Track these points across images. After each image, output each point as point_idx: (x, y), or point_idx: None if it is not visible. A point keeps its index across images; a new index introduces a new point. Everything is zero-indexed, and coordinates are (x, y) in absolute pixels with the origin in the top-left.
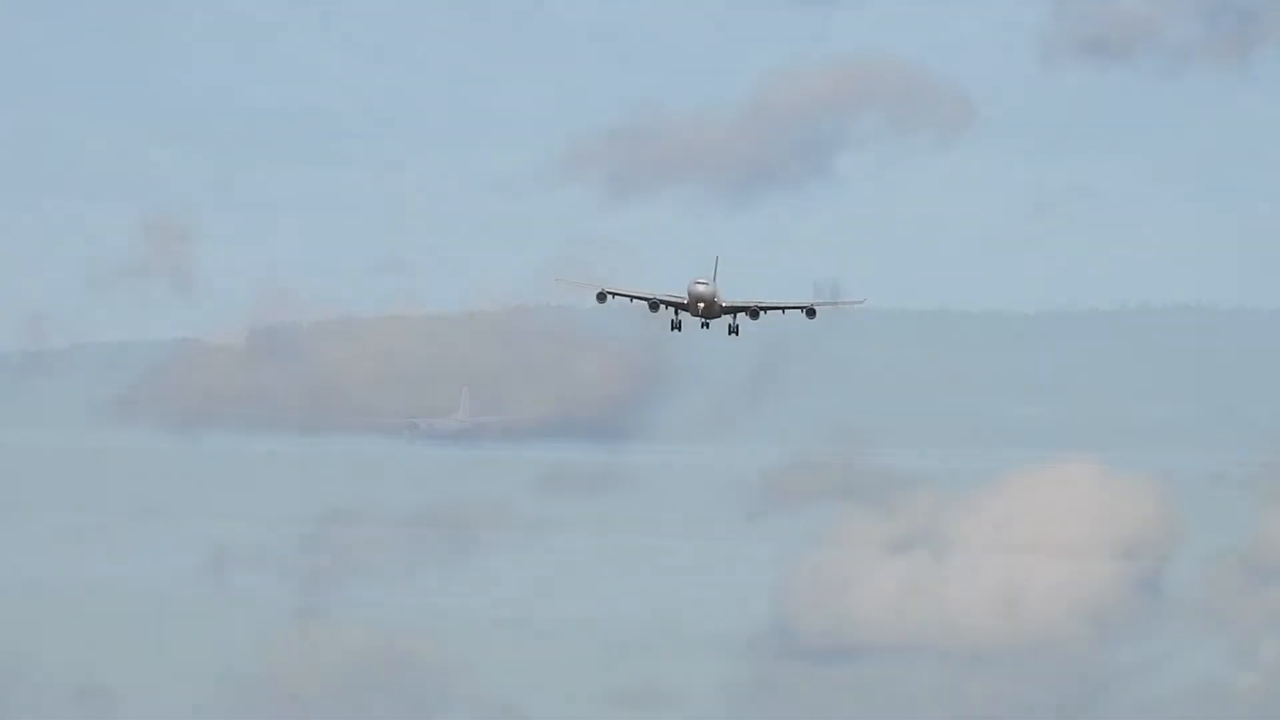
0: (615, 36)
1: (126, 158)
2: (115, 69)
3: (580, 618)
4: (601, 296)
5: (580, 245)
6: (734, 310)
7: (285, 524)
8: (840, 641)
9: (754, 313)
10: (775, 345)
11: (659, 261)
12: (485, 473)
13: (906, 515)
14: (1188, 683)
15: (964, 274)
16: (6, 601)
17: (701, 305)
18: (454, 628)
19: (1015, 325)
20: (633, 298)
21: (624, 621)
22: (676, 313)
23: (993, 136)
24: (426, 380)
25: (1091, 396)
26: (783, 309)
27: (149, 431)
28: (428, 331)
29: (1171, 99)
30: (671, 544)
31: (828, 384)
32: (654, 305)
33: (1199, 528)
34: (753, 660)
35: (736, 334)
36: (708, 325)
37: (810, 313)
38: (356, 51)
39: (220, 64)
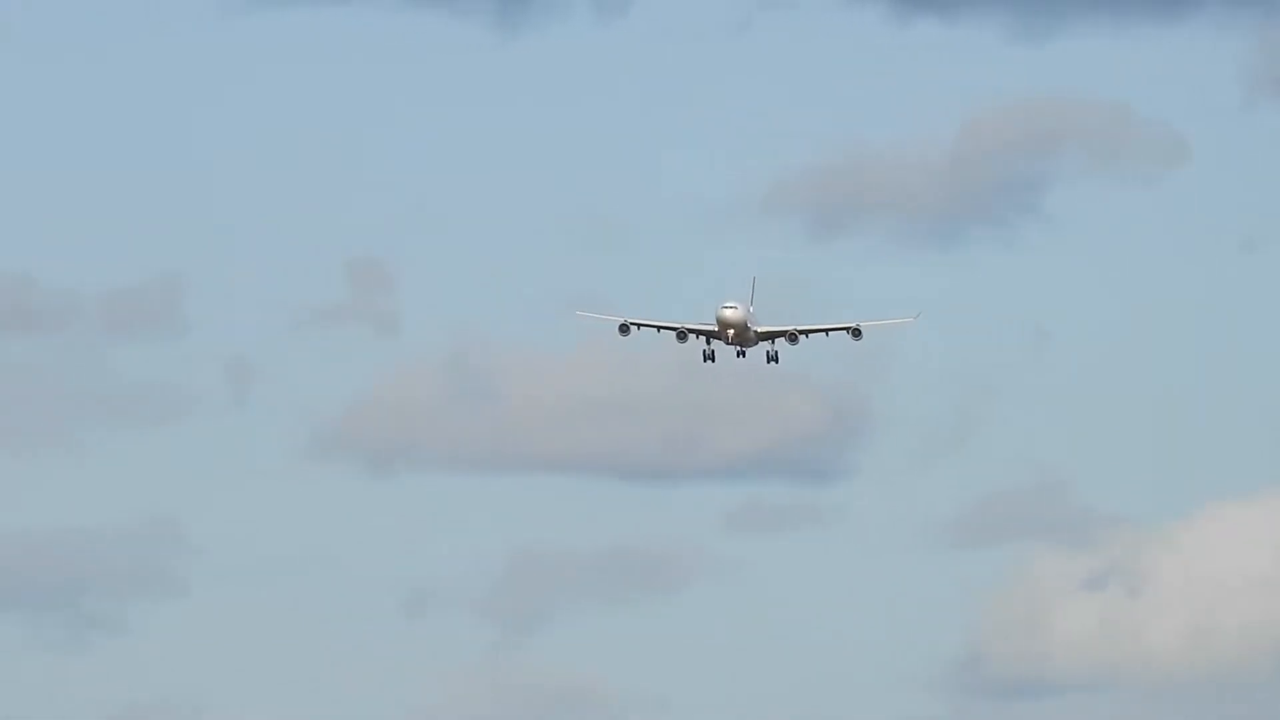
0: (817, 71)
1: (324, 197)
2: (308, 105)
3: (771, 652)
4: (624, 328)
5: (779, 282)
6: (771, 336)
7: (480, 561)
8: (1034, 677)
9: (793, 337)
10: (971, 380)
11: (862, 300)
12: (678, 509)
13: (1101, 551)
14: None
15: (1170, 311)
16: (203, 639)
17: (731, 332)
18: (647, 664)
19: (1220, 363)
20: (659, 328)
21: (814, 656)
22: (708, 341)
23: (1200, 174)
24: (622, 416)
25: None
26: (825, 331)
27: (347, 469)
28: (623, 368)
29: None
30: (864, 580)
31: (1023, 419)
32: (681, 335)
33: None
34: (945, 696)
35: (776, 361)
36: (744, 354)
37: (856, 333)
38: (551, 84)
39: (414, 98)
